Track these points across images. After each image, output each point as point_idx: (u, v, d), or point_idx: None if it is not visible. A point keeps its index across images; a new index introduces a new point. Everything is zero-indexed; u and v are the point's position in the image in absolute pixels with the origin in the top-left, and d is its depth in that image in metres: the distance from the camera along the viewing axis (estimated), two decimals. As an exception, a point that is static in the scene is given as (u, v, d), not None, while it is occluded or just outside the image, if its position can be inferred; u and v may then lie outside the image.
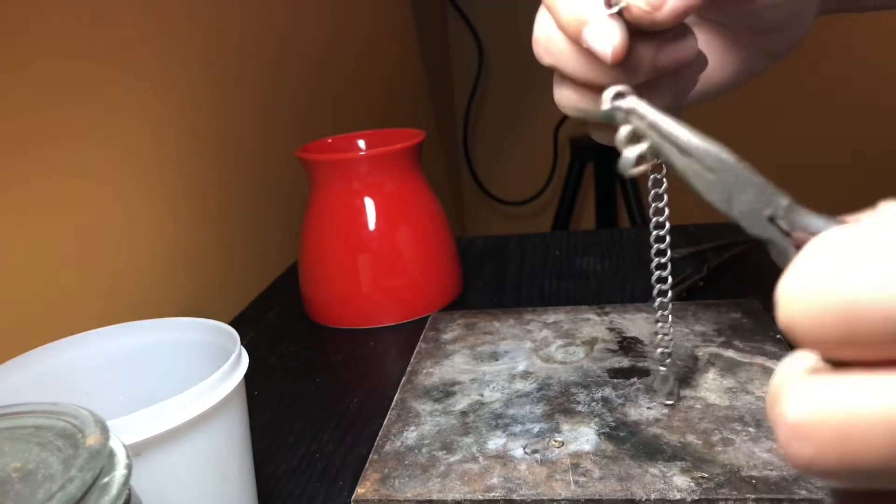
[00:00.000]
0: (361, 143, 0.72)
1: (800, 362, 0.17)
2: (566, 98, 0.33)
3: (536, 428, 0.44)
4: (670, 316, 0.40)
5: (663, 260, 0.37)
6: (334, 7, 1.09)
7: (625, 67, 0.30)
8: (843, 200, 1.67)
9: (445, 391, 0.49)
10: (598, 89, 0.30)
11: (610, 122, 0.30)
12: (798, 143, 1.61)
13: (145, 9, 0.64)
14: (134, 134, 0.63)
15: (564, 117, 1.59)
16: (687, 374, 0.48)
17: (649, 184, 0.34)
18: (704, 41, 0.38)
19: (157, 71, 0.66)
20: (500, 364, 0.52)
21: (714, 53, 0.39)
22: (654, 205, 0.35)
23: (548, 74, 0.33)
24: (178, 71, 0.69)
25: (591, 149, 1.50)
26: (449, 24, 1.74)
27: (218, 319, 0.40)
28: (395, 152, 0.63)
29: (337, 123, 1.05)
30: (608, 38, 0.28)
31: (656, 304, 0.39)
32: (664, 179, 0.34)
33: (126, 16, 0.62)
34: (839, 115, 1.58)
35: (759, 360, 0.49)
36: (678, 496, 0.37)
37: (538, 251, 0.80)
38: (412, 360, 0.54)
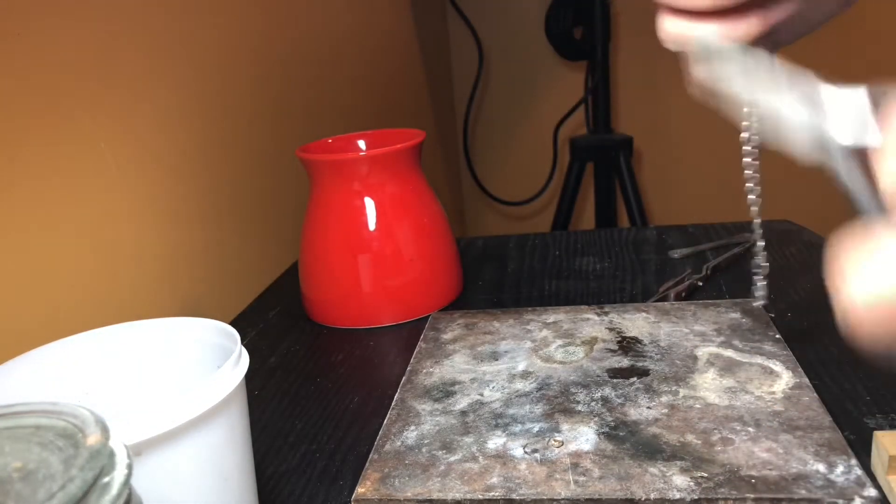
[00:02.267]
0: (362, 144, 0.72)
1: None
2: (670, 28, 0.37)
3: (536, 427, 0.44)
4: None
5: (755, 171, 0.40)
6: (334, 8, 1.09)
7: None
8: None
9: (445, 391, 0.49)
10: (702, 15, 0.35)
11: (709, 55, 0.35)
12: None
13: (148, 10, 0.64)
14: (135, 135, 0.63)
15: (564, 117, 1.59)
16: (686, 373, 0.48)
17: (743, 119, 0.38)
18: None
19: (159, 73, 0.66)
20: (499, 364, 0.52)
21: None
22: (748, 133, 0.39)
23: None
24: (179, 73, 0.69)
25: (590, 149, 1.50)
26: (449, 24, 1.74)
27: (218, 319, 0.40)
28: (395, 152, 0.63)
29: (337, 124, 1.05)
30: None
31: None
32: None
33: (129, 17, 0.62)
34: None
35: (759, 359, 0.49)
36: (678, 496, 0.37)
37: (538, 251, 0.80)
38: (412, 359, 0.54)
